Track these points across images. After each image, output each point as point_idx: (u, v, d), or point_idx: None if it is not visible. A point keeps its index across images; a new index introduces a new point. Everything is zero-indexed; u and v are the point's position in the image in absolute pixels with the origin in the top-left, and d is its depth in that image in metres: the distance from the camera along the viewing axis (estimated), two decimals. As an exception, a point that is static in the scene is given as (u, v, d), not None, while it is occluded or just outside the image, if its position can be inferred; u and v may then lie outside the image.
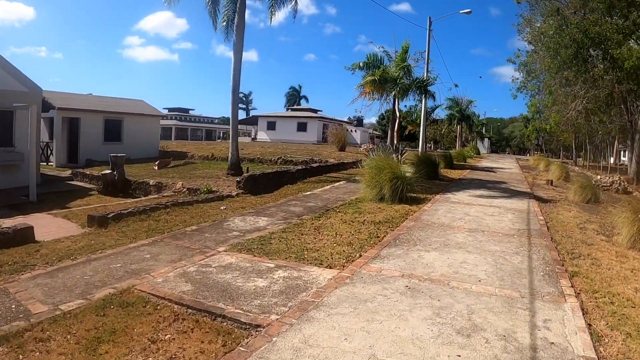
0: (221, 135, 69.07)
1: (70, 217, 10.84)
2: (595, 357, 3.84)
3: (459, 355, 3.70)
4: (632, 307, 5.01)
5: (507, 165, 32.43)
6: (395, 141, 21.29)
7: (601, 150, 41.85)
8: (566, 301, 5.07)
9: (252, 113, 79.68)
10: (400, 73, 20.42)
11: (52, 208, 13.10)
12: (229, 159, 18.08)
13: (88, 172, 20.49)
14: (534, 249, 7.46)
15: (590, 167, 33.75)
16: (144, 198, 15.10)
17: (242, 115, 79.38)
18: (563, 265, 6.53)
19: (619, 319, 4.65)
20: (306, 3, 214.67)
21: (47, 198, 15.66)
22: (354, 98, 21.87)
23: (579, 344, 4.03)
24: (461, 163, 29.38)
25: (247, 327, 4.19)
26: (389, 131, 22.78)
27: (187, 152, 28.15)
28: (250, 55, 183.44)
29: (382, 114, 46.33)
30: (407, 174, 12.24)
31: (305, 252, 6.66)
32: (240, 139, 50.15)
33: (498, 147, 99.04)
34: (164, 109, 71.69)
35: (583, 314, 4.73)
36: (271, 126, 52.42)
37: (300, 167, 17.96)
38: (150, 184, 16.67)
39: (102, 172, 17.80)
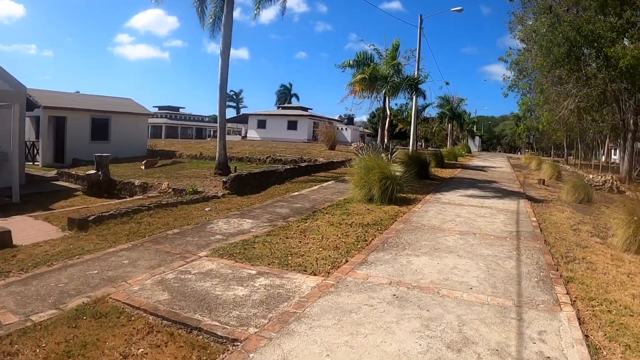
0: (211, 133, 68.69)
1: (52, 219, 10.58)
2: (594, 373, 3.61)
3: (449, 374, 3.44)
4: (631, 315, 4.79)
5: (498, 164, 32.34)
6: (385, 140, 21.05)
7: (592, 149, 41.92)
8: (562, 310, 4.83)
9: (242, 111, 79.33)
10: (390, 71, 20.16)
11: (35, 209, 12.85)
12: (217, 158, 17.81)
13: (74, 172, 20.14)
14: (527, 252, 7.23)
15: (582, 166, 33.73)
16: (128, 199, 14.80)
17: (232, 113, 79.32)
18: (557, 270, 6.30)
19: (617, 329, 4.43)
20: (297, 1, 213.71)
21: (31, 199, 15.40)
22: (343, 96, 21.58)
23: (576, 358, 3.80)
24: (452, 162, 29.27)
25: (224, 341, 3.98)
26: (379, 130, 22.53)
27: (176, 151, 27.79)
28: (241, 54, 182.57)
29: (373, 112, 46.26)
30: (397, 174, 12.02)
31: (290, 258, 6.40)
32: (231, 138, 49.99)
33: (489, 145, 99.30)
34: (154, 107, 71.40)
35: (580, 324, 4.50)
36: (261, 124, 52.11)
37: (288, 167, 17.69)
38: (136, 184, 16.33)
39: (87, 173, 17.50)
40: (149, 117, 34.13)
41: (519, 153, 72.97)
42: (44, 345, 3.80)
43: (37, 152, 25.81)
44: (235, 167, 18.25)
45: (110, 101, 29.87)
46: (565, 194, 14.30)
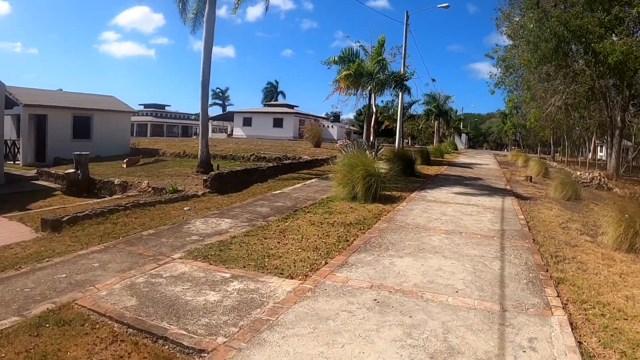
0: (197, 131, 67.70)
1: (26, 220, 10.19)
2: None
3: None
4: (625, 319, 4.53)
5: (485, 161, 32.22)
6: (371, 137, 20.84)
7: (579, 146, 42.05)
8: (553, 314, 4.55)
9: (229, 109, 78.58)
10: (376, 67, 19.94)
11: (12, 209, 12.41)
12: (199, 156, 17.46)
13: (54, 172, 19.59)
14: (515, 252, 6.95)
15: (569, 163, 33.79)
16: (107, 198, 14.36)
17: (218, 111, 78.65)
18: (547, 271, 6.02)
19: (611, 334, 4.17)
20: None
21: (9, 199, 14.90)
22: (329, 93, 21.40)
23: (569, 368, 3.51)
24: (438, 159, 29.12)
25: (190, 351, 3.71)
26: (365, 127, 22.30)
27: (159, 149, 27.36)
28: (227, 51, 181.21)
29: (359, 109, 46.04)
30: (382, 171, 11.72)
31: (266, 260, 6.08)
32: (216, 135, 49.56)
33: (475, 142, 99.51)
34: (139, 105, 70.53)
35: (572, 330, 4.23)
36: (247, 122, 51.68)
37: (272, 165, 17.33)
38: (116, 183, 15.87)
39: (66, 172, 17.03)
40: (132, 114, 33.66)
41: (505, 150, 73.17)
42: (3, 355, 3.65)
43: (18, 151, 25.27)
44: (218, 165, 17.90)
45: (92, 99, 29.39)
46: (553, 191, 14.11)
